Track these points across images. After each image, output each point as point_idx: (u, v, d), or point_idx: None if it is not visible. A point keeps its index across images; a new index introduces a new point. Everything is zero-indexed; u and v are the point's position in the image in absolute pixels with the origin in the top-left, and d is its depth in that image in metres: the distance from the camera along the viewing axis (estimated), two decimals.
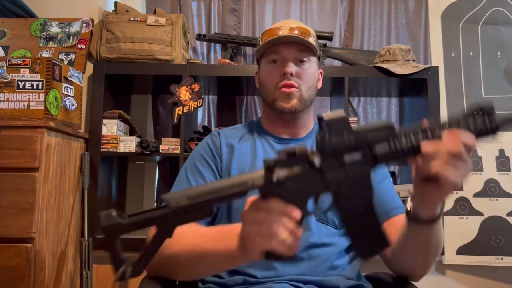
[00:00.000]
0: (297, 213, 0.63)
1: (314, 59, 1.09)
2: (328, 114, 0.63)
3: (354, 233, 0.67)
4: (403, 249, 0.88)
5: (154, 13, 2.03)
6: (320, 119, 0.64)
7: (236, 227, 0.72)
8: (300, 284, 0.92)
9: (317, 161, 0.63)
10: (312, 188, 0.64)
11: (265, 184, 0.63)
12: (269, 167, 0.62)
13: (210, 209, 0.63)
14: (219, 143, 1.08)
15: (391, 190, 1.06)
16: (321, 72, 1.15)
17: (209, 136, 1.12)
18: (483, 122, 0.64)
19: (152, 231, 0.76)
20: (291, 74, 1.03)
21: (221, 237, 0.78)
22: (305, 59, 1.06)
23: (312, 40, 1.05)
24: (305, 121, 1.11)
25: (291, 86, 1.04)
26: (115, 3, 2.02)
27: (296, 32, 1.03)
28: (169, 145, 1.92)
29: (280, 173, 0.63)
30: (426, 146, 0.63)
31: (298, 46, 1.04)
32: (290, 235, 0.63)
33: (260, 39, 1.10)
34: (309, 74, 1.07)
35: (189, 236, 0.84)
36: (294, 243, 0.64)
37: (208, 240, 0.81)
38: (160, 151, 1.91)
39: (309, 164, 0.63)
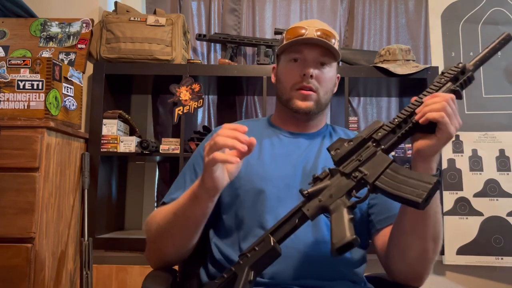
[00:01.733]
0: (238, 127, 0.79)
1: (334, 64, 1.07)
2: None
3: (399, 192, 0.75)
4: (401, 232, 0.88)
5: (154, 13, 2.03)
6: (328, 150, 0.84)
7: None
8: None
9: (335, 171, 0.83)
10: (343, 186, 0.80)
11: (304, 203, 0.82)
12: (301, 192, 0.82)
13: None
14: None
15: None
16: (338, 77, 1.12)
17: (209, 135, 1.11)
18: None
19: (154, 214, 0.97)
20: (311, 76, 1.01)
21: (184, 195, 0.89)
22: (326, 62, 1.04)
23: (335, 43, 1.04)
24: (317, 122, 1.10)
25: (310, 89, 1.02)
26: (115, 3, 2.03)
27: (321, 34, 1.01)
28: (169, 145, 1.92)
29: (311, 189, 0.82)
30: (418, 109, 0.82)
31: (321, 49, 1.02)
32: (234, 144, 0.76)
33: (283, 36, 1.07)
34: (328, 78, 1.05)
35: (160, 211, 0.96)
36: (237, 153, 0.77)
37: (176, 201, 0.91)
38: (160, 151, 1.91)
39: (331, 174, 0.83)
